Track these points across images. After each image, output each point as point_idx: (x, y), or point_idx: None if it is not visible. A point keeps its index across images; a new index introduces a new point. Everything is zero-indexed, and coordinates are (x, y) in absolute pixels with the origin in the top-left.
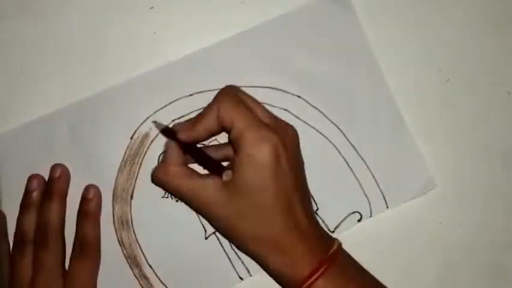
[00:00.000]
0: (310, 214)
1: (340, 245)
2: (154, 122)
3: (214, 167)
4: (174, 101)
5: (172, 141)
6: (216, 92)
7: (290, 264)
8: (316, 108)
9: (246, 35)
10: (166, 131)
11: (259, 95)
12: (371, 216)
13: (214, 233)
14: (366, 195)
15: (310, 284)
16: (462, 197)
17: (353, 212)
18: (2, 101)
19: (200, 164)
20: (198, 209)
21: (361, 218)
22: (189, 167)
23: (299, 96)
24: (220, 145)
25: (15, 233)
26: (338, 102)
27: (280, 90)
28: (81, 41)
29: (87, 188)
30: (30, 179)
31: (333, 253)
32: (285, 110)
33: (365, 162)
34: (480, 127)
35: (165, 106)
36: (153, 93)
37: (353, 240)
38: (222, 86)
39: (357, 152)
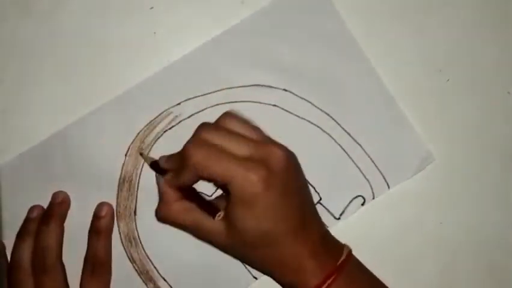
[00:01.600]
0: (316, 226)
1: (350, 251)
2: (141, 154)
3: (207, 208)
4: (163, 111)
5: (163, 178)
6: (202, 98)
7: (298, 280)
8: (305, 99)
9: (225, 36)
10: (155, 165)
11: (246, 93)
12: (373, 198)
13: None
14: (366, 178)
15: None
16: (463, 196)
17: (356, 197)
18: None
19: (193, 202)
20: (203, 239)
21: (364, 201)
22: (187, 201)
23: (286, 90)
24: None
25: (10, 260)
26: (326, 91)
27: (267, 86)
28: (81, 41)
29: (100, 206)
30: (30, 209)
31: (342, 262)
32: (274, 105)
33: (361, 146)
34: (480, 127)
35: (154, 119)
36: (140, 108)
37: (353, 240)
38: (208, 90)
39: (352, 138)
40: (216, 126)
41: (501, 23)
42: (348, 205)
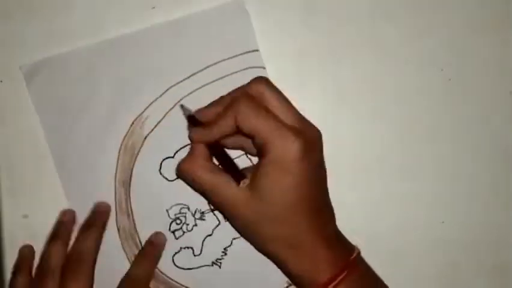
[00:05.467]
0: (332, 218)
1: (359, 252)
2: (182, 105)
3: (234, 172)
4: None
5: (197, 132)
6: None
7: (311, 268)
8: None
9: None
10: (192, 119)
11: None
12: None
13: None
14: None
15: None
16: (464, 196)
17: None
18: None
19: (221, 164)
20: (218, 205)
21: None
22: (215, 163)
23: None
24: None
25: (39, 260)
26: None
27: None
28: (81, 41)
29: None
30: (62, 212)
31: (353, 260)
32: None
33: None
34: (482, 126)
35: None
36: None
37: (353, 239)
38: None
39: None
40: (270, 84)
41: (503, 22)
42: None
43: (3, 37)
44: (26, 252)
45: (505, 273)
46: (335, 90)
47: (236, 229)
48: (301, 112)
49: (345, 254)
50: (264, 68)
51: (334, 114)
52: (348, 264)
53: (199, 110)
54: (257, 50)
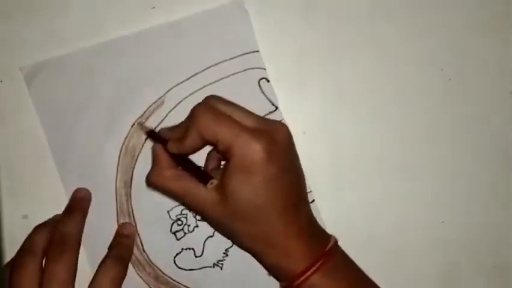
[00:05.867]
0: (306, 210)
1: (336, 242)
2: (140, 124)
3: (200, 175)
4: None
5: (159, 145)
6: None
7: (286, 259)
8: None
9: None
10: (153, 134)
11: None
12: None
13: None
14: None
15: (305, 279)
16: (464, 196)
17: None
18: None
19: (186, 171)
20: (192, 208)
21: None
22: (180, 170)
23: None
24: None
25: (22, 244)
26: None
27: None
28: (80, 42)
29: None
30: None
31: (330, 249)
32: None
33: None
34: (482, 126)
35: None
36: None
37: (355, 239)
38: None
39: None
40: (223, 99)
41: (503, 22)
42: None
43: (3, 37)
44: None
45: (505, 273)
46: (335, 90)
47: (214, 229)
48: (301, 111)
49: (320, 245)
50: (265, 69)
51: (334, 114)
52: (323, 254)
53: (163, 129)
54: (257, 51)
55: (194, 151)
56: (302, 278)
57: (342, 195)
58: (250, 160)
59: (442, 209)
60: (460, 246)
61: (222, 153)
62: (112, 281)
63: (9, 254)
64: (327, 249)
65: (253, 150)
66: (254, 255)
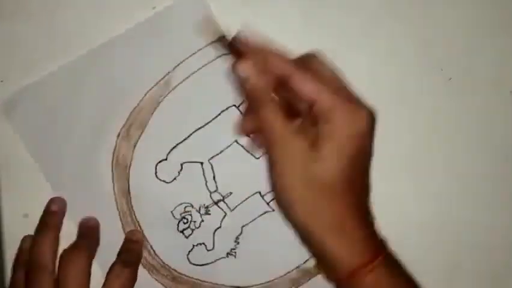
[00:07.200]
0: (369, 203)
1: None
2: (223, 36)
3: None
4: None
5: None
6: None
7: (348, 247)
8: None
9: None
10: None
11: None
12: None
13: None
14: None
15: (368, 271)
16: (464, 196)
17: None
18: None
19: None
20: (274, 154)
21: None
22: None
23: None
24: None
25: (30, 256)
26: None
27: None
28: (81, 41)
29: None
30: (49, 201)
31: (386, 246)
32: None
33: None
34: (482, 126)
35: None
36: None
37: None
38: None
39: None
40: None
41: (504, 21)
42: None
43: (3, 37)
44: (26, 247)
45: (505, 273)
46: None
47: (274, 190)
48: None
49: (379, 241)
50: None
51: None
52: (384, 250)
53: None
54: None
55: (275, 84)
56: (364, 270)
57: None
58: (353, 130)
59: (442, 208)
60: (460, 246)
61: (316, 113)
62: (121, 286)
63: (9, 254)
64: (386, 244)
65: (359, 121)
66: (309, 237)
